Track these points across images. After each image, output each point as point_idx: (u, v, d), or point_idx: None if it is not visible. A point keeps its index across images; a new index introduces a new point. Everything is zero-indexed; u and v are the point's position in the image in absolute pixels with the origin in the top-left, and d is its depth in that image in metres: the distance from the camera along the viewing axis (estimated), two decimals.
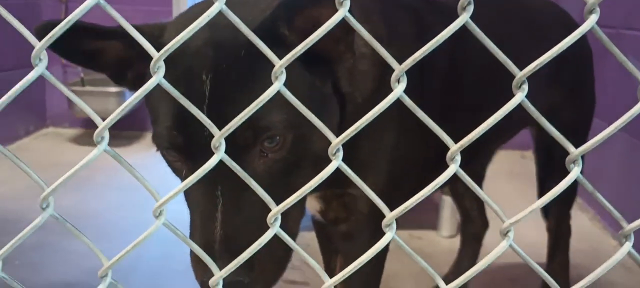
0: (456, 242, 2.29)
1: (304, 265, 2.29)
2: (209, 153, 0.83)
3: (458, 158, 0.58)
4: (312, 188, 0.60)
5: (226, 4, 0.57)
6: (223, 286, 0.78)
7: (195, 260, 0.87)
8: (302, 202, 0.99)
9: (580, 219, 2.73)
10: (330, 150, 0.58)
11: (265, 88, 0.83)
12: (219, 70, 0.85)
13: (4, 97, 0.55)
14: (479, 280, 2.05)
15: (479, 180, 2.04)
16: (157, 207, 0.58)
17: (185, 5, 3.87)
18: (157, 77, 0.56)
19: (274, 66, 0.57)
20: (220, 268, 0.77)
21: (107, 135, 0.57)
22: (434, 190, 0.60)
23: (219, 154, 0.57)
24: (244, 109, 0.80)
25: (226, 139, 0.82)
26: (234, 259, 0.67)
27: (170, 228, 0.60)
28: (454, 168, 0.58)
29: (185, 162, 0.90)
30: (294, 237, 0.94)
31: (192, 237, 0.86)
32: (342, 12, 0.56)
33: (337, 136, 0.59)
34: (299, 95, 0.60)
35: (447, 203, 2.56)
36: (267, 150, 0.87)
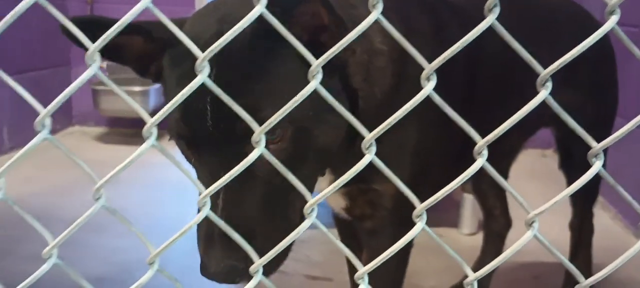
0: (477, 239, 2.31)
1: (326, 261, 2.32)
2: (213, 144, 0.87)
3: (485, 152, 0.61)
4: (346, 181, 0.64)
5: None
6: (218, 270, 0.83)
7: (201, 246, 0.89)
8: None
9: (602, 218, 2.74)
10: (364, 144, 0.62)
11: (271, 81, 0.87)
12: (225, 63, 0.87)
13: (63, 94, 0.59)
14: (502, 277, 2.09)
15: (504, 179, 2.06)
16: (202, 198, 0.62)
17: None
18: (202, 75, 0.60)
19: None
20: (219, 253, 0.83)
21: (155, 131, 0.61)
22: (461, 182, 0.63)
23: (260, 148, 0.61)
24: (248, 102, 0.84)
25: (226, 130, 0.86)
26: (231, 245, 0.73)
27: (213, 219, 0.64)
28: (481, 161, 0.61)
29: (192, 151, 0.94)
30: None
31: (199, 224, 0.90)
32: (375, 14, 0.59)
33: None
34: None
35: (468, 201, 2.58)
36: (267, 143, 0.90)
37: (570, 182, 1.84)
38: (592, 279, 0.65)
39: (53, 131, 0.60)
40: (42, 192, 2.90)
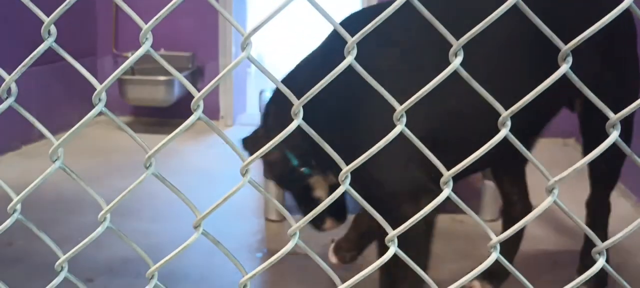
0: (498, 225, 2.34)
1: None
2: None
3: (508, 123, 0.65)
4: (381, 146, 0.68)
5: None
6: None
7: None
8: None
9: (623, 205, 2.75)
10: (396, 116, 0.66)
11: None
12: None
13: (121, 68, 0.65)
14: (523, 261, 2.12)
15: (522, 165, 2.09)
16: (243, 166, 0.67)
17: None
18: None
19: None
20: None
21: (201, 104, 0.66)
22: (486, 150, 0.66)
23: None
24: None
25: None
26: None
27: (255, 185, 0.69)
28: (504, 132, 0.65)
29: None
30: None
31: None
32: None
33: None
34: None
35: (489, 188, 2.61)
36: None
37: (593, 167, 1.84)
38: (607, 243, 0.69)
39: (80, 119, 0.65)
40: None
